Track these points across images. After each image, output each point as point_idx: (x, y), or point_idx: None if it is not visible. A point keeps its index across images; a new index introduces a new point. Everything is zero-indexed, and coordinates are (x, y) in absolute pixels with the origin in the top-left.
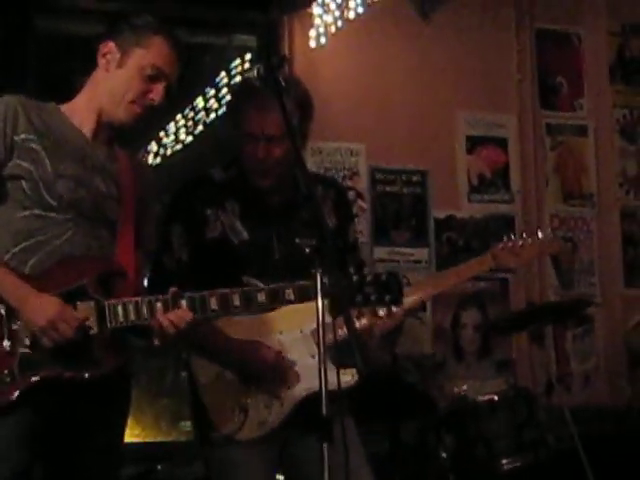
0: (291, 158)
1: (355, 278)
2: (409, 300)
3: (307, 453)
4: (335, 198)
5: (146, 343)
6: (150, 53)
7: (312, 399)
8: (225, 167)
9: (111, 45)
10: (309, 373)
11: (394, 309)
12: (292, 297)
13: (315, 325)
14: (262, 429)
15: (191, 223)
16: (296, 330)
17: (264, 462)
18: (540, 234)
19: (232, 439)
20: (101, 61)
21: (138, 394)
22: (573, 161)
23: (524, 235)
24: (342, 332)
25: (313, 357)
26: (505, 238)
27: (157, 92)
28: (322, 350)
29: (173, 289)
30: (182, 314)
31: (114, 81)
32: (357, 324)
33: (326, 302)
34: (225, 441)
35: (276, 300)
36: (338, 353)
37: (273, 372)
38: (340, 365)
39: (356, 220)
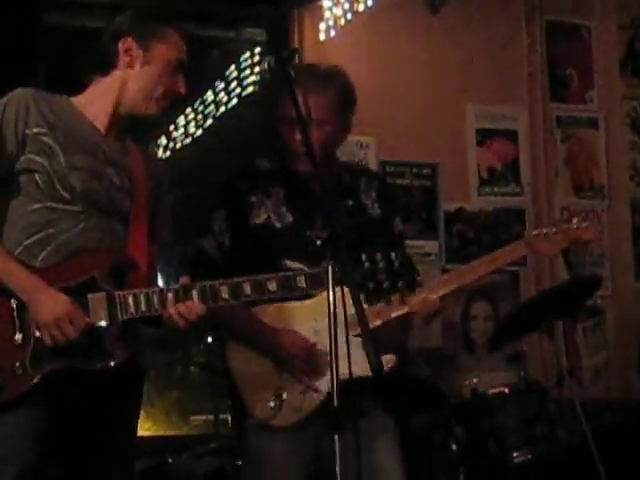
0: (332, 144)
1: (367, 265)
2: (445, 287)
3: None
4: (379, 189)
5: (160, 331)
6: (170, 47)
7: (346, 385)
8: (270, 158)
9: (130, 41)
10: (343, 359)
11: (431, 295)
12: (303, 284)
13: (351, 312)
14: (297, 415)
15: (235, 209)
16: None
17: (299, 451)
18: (575, 220)
19: (267, 425)
20: (124, 58)
21: (148, 387)
22: (583, 154)
23: (558, 223)
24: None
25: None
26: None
27: (182, 83)
28: (332, 341)
29: (183, 279)
30: (192, 306)
31: (143, 78)
32: (396, 311)
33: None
34: (260, 427)
35: (288, 288)
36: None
37: (306, 362)
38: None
39: None
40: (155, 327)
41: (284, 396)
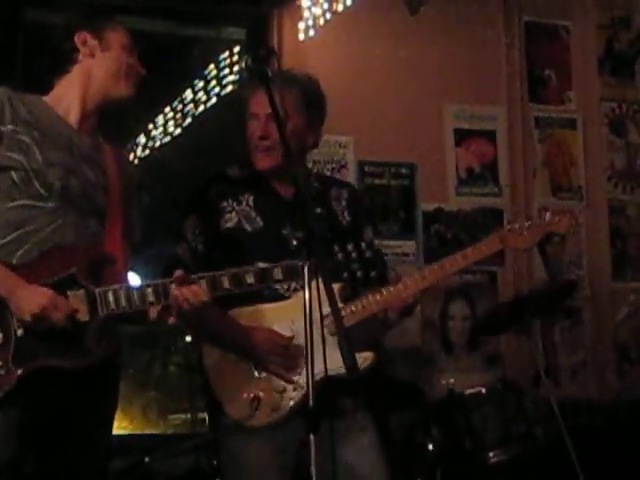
0: (295, 144)
1: (340, 256)
2: (419, 283)
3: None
4: (348, 198)
5: (142, 325)
6: (120, 33)
7: (323, 384)
8: (241, 165)
9: (85, 34)
10: (319, 358)
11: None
12: (280, 276)
13: (327, 311)
14: (274, 415)
15: (206, 215)
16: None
17: (278, 450)
18: (548, 214)
19: (244, 426)
20: (84, 50)
21: (126, 386)
22: (562, 154)
23: (532, 218)
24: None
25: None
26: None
27: (139, 64)
28: (310, 340)
29: (179, 271)
30: (198, 291)
31: (107, 62)
32: (369, 306)
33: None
34: (236, 427)
35: (265, 280)
36: (347, 338)
37: (283, 358)
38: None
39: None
40: (139, 324)
41: (261, 396)
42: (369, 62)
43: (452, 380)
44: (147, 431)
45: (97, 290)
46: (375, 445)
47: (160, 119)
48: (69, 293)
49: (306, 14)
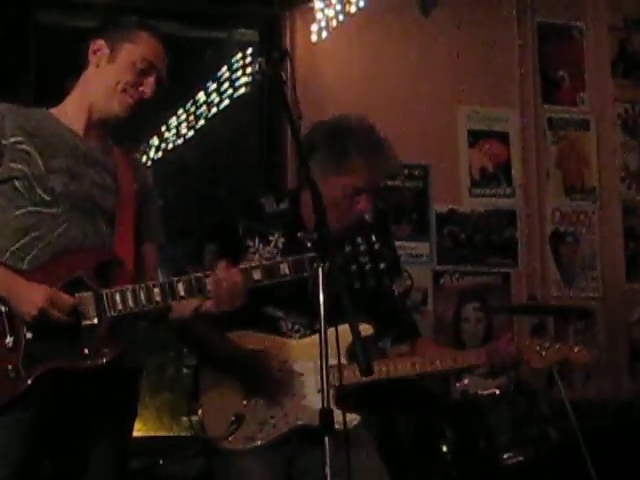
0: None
1: (348, 249)
2: (407, 368)
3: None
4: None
5: (156, 324)
6: (139, 47)
7: (304, 432)
8: (278, 199)
9: (101, 42)
10: (310, 406)
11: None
12: (287, 271)
13: (332, 362)
14: (247, 444)
15: (228, 249)
16: (310, 362)
17: (266, 465)
18: (571, 342)
19: (215, 444)
20: (92, 58)
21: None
22: (575, 155)
23: (553, 339)
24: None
25: (319, 392)
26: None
27: (148, 85)
28: (324, 340)
29: (222, 264)
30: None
31: (106, 75)
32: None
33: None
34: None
35: (272, 275)
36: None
37: (276, 383)
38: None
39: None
40: (150, 322)
41: (243, 422)
42: (381, 64)
43: (466, 382)
44: (161, 433)
45: (104, 291)
46: (374, 456)
47: (173, 121)
48: (77, 295)
49: (319, 16)
